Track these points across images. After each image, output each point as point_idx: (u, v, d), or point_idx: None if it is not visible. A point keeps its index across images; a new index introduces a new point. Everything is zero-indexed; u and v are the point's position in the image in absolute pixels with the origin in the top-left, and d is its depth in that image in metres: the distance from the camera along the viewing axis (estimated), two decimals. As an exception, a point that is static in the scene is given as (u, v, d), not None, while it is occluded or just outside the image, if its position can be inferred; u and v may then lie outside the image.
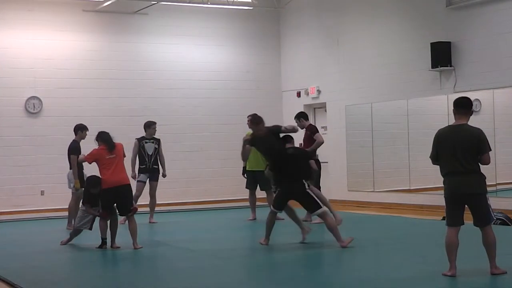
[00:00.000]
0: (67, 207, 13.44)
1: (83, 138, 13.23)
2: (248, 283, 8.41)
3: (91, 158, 10.83)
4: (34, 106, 16.28)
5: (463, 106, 7.95)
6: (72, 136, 13.17)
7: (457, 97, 8.23)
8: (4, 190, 15.94)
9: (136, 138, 14.08)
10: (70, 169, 13.16)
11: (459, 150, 7.76)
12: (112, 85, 17.00)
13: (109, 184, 10.51)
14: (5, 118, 16.06)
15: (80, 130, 13.24)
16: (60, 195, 16.07)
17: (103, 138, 10.84)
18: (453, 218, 7.86)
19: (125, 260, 10.19)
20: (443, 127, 8.09)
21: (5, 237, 12.77)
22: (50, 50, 16.51)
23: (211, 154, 17.94)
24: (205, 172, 17.80)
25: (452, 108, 7.98)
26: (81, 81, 16.71)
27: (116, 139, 13.53)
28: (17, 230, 14.01)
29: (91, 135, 15.14)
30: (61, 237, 11.49)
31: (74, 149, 13.00)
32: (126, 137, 15.19)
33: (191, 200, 17.59)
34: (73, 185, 12.95)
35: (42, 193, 16.15)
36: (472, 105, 8.05)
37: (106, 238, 10.68)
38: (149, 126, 14.14)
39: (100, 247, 10.65)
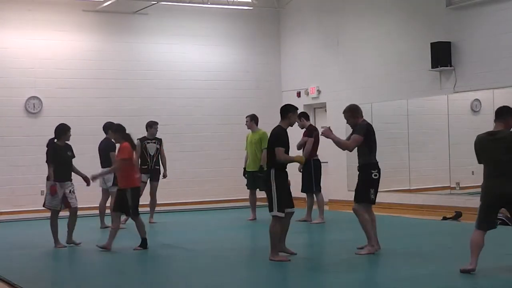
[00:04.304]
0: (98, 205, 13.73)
1: None
2: (248, 283, 8.41)
3: (130, 153, 10.76)
4: (34, 106, 16.28)
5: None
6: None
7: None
8: (4, 190, 15.94)
9: (138, 138, 14.07)
10: (103, 167, 13.22)
11: None
12: (112, 85, 17.01)
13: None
14: (5, 118, 16.05)
15: (111, 128, 13.27)
16: (60, 195, 16.08)
17: (125, 137, 10.90)
18: None
19: (125, 260, 10.18)
20: None
21: (5, 237, 12.77)
22: (50, 50, 16.51)
23: (211, 154, 17.94)
24: (205, 172, 17.80)
25: None
26: (81, 81, 16.72)
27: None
28: (17, 230, 14.01)
29: (93, 135, 15.24)
30: (61, 237, 11.44)
31: (112, 146, 13.04)
32: (126, 137, 15.23)
33: (191, 200, 17.59)
34: (112, 183, 12.99)
35: (42, 193, 16.01)
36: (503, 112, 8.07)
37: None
38: (151, 126, 14.14)
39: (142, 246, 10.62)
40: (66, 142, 11.41)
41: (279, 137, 9.28)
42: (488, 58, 13.63)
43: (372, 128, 9.80)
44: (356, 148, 9.74)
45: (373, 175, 9.63)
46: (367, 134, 9.67)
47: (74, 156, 11.39)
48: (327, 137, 9.69)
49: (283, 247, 9.58)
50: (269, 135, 9.56)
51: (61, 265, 9.77)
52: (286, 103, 10.54)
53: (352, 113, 9.81)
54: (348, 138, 9.81)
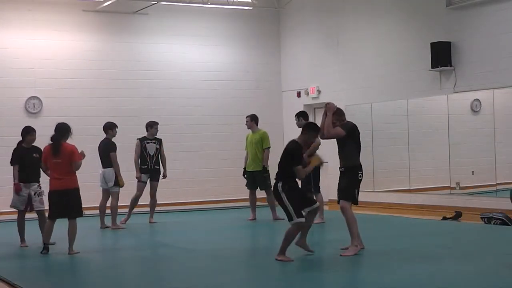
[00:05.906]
0: (99, 206, 13.71)
1: (114, 136, 13.35)
2: (248, 283, 8.41)
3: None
4: (34, 106, 16.28)
5: None
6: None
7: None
8: (4, 190, 15.90)
9: (138, 138, 14.10)
10: (104, 168, 13.24)
11: None
12: (112, 85, 17.01)
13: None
14: (5, 118, 16.05)
15: (111, 129, 13.37)
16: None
17: (51, 138, 10.57)
18: None
19: (126, 260, 10.19)
20: None
21: (5, 237, 12.77)
22: (50, 50, 16.51)
23: (211, 154, 17.94)
24: (205, 172, 17.81)
25: None
26: (81, 81, 16.72)
27: (117, 139, 13.62)
28: (17, 230, 13.98)
29: (93, 135, 15.24)
30: (62, 237, 11.43)
31: (112, 146, 13.00)
32: (126, 137, 15.25)
33: (191, 200, 17.59)
34: (113, 184, 12.99)
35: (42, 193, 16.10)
36: None
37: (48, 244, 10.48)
38: (151, 126, 14.14)
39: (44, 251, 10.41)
40: (33, 144, 11.47)
41: (294, 155, 9.26)
42: (488, 58, 13.63)
43: (358, 129, 10.01)
44: (343, 150, 9.93)
45: (359, 176, 9.84)
46: (352, 133, 9.93)
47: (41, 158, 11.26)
48: (328, 112, 10.02)
49: (304, 243, 9.67)
50: (284, 147, 9.49)
51: (61, 265, 9.76)
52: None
53: (340, 116, 10.14)
54: None
